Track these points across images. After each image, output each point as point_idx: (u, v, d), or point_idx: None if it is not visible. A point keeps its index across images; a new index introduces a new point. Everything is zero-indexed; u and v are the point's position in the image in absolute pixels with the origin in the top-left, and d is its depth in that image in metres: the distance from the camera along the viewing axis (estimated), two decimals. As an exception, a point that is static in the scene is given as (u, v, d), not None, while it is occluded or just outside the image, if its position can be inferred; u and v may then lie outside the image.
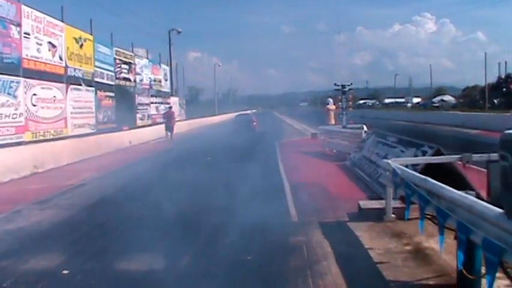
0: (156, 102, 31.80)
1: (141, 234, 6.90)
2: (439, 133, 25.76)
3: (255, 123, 31.37)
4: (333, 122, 20.60)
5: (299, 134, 28.96)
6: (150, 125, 28.93)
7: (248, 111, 49.73)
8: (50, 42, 16.78)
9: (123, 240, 6.64)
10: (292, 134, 29.12)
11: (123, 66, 25.44)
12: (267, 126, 36.75)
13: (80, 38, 19.61)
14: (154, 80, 32.07)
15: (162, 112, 29.46)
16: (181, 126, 35.68)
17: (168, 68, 37.18)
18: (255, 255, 5.80)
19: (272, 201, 8.99)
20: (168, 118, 26.05)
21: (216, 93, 74.05)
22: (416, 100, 79.44)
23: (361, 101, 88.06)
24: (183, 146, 22.49)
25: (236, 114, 39.12)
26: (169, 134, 25.37)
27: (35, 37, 15.78)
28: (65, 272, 5.37)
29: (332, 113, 20.92)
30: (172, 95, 37.76)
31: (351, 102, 19.55)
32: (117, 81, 24.21)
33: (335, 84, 20.30)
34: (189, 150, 20.90)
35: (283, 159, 15.43)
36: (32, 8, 15.59)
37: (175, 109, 37.16)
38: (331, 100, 21.42)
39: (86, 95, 19.80)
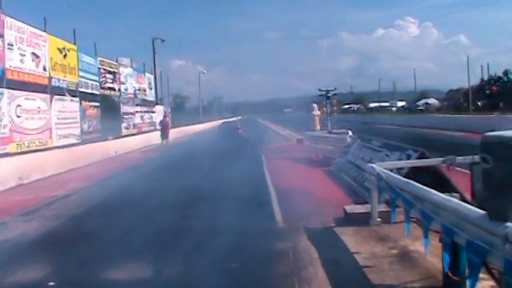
0: (141, 111, 31.64)
1: (128, 244, 6.84)
2: (424, 136, 25.93)
3: (240, 130, 31.63)
4: (318, 127, 20.66)
5: (284, 140, 28.98)
6: (135, 134, 28.75)
7: (233, 118, 49.87)
8: (33, 53, 16.58)
9: (110, 251, 6.55)
10: (278, 140, 29.11)
11: (107, 75, 25.25)
12: (253, 133, 36.77)
13: (64, 48, 19.43)
14: (139, 89, 31.91)
15: (159, 120, 29.89)
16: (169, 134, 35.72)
17: (152, 77, 37.01)
18: (241, 262, 5.77)
19: (258, 207, 9.02)
20: (164, 126, 27.58)
21: (200, 101, 74.22)
22: (401, 104, 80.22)
23: (346, 106, 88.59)
24: (169, 154, 22.45)
25: (221, 121, 39.26)
26: (164, 141, 27.05)
27: (18, 48, 15.57)
28: (51, 283, 5.27)
29: (317, 119, 21.00)
30: (157, 104, 37.55)
31: (335, 107, 19.68)
32: (101, 90, 24.00)
33: (319, 89, 20.39)
34: (175, 158, 20.88)
35: (268, 165, 15.48)
36: (14, 18, 15.38)
37: (160, 117, 37.19)
38: (315, 106, 21.51)
39: (71, 105, 19.62)
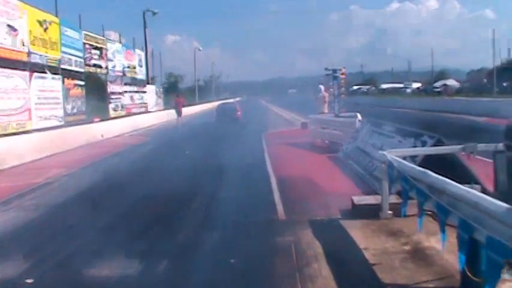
0: (130, 91, 31.64)
1: (112, 238, 6.83)
2: (442, 121, 25.86)
3: (238, 113, 31.98)
4: (325, 110, 20.55)
5: (287, 124, 29.11)
6: (124, 116, 28.82)
7: (231, 100, 49.78)
8: (9, 26, 16.41)
9: (93, 245, 6.52)
10: (280, 124, 29.23)
11: (93, 51, 25.13)
12: (253, 116, 36.95)
13: (44, 20, 19.25)
14: (128, 67, 31.86)
15: (174, 99, 32.03)
16: (158, 116, 35.69)
17: (143, 54, 36.85)
18: (239, 258, 5.76)
19: (257, 198, 9.10)
20: (177, 104, 29.95)
21: (196, 81, 74.06)
22: (416, 85, 79.54)
23: (356, 87, 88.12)
24: (160, 140, 22.43)
25: (218, 103, 39.24)
26: (179, 118, 29.49)
27: (-8, 20, 15.58)
28: (29, 281, 5.26)
29: (323, 101, 20.89)
30: (148, 83, 37.47)
31: (343, 89, 19.46)
32: (86, 68, 23.93)
33: (326, 68, 20.13)
34: (166, 143, 20.99)
35: (269, 152, 15.50)
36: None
37: (151, 98, 37.32)
38: (322, 87, 21.29)
39: (52, 84, 19.53)
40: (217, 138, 20.95)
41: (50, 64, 19.56)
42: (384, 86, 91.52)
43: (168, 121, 33.40)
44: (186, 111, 47.27)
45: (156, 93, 40.21)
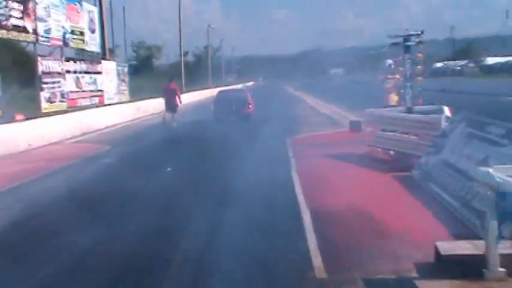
0: (76, 71, 31.62)
1: None
2: None
3: (250, 106, 31.97)
4: (393, 100, 20.38)
5: (328, 123, 29.12)
6: (66, 112, 28.78)
7: (239, 86, 49.47)
8: None
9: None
10: (317, 123, 29.21)
11: (11, 3, 24.64)
12: (272, 111, 37.21)
13: None
14: (72, 32, 31.90)
15: (163, 86, 33.04)
16: (122, 112, 35.86)
17: (96, 10, 36.99)
18: None
19: (282, 243, 9.09)
20: (170, 93, 31.05)
21: (181, 54, 73.05)
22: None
23: (440, 64, 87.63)
24: (125, 150, 22.33)
25: (219, 90, 39.60)
26: (170, 115, 30.73)
27: None
28: None
29: (391, 86, 20.63)
30: (105, 58, 37.69)
31: (420, 66, 19.13)
32: (0, 32, 24.06)
33: (391, 36, 19.74)
34: (134, 155, 20.96)
35: (300, 169, 15.49)
36: None
37: (111, 82, 37.55)
38: (390, 62, 21.06)
39: None
40: (216, 147, 20.88)
41: None
42: (491, 60, 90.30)
43: (137, 119, 33.95)
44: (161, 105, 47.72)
45: (118, 75, 40.31)
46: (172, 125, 30.06)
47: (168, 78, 34.01)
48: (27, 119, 24.32)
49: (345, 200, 11.74)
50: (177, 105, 31.42)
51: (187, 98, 58.12)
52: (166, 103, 31.24)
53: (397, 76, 20.60)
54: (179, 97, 32.34)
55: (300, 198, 12.12)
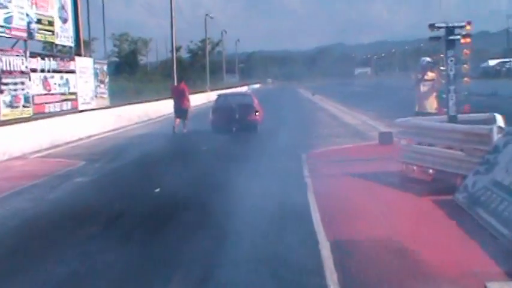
0: (44, 70, 31.40)
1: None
2: None
3: (257, 114, 32.03)
4: (432, 106, 20.26)
5: (352, 134, 29.20)
6: (31, 119, 28.56)
7: (244, 89, 49.30)
8: None
9: None
10: (338, 135, 29.23)
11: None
12: (284, 120, 37.59)
13: None
14: (39, 21, 31.59)
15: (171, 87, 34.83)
16: (101, 120, 35.63)
17: (69, -5, 36.36)
18: None
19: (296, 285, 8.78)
20: (179, 96, 32.26)
21: (174, 49, 71.87)
22: None
23: (494, 62, 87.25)
24: (105, 166, 22.23)
25: (218, 94, 39.39)
26: (181, 122, 31.84)
27: None
28: None
29: (428, 90, 20.48)
30: (79, 54, 37.73)
31: (466, 65, 18.93)
32: None
33: (433, 26, 19.47)
34: (117, 172, 20.83)
35: (318, 191, 14.96)
36: None
37: (86, 83, 37.45)
38: (427, 60, 20.93)
39: None
40: (214, 165, 20.58)
41: None
42: None
43: (119, 129, 34.16)
44: (151, 112, 48.13)
45: (96, 75, 40.23)
46: (183, 132, 30.70)
47: (178, 79, 34.05)
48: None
49: (373, 230, 11.33)
50: (186, 110, 32.06)
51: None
52: (175, 107, 31.94)
53: (437, 77, 20.49)
54: (188, 100, 33.13)
55: (318, 227, 11.67)
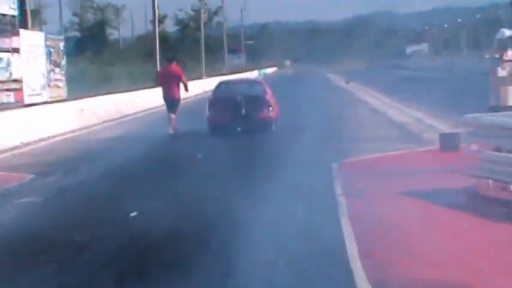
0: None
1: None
2: None
3: (270, 109, 29.85)
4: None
5: (402, 137, 27.63)
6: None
7: (253, 74, 49.36)
8: None
9: None
10: (383, 137, 27.66)
11: None
12: (307, 117, 36.60)
13: None
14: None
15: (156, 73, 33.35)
16: (57, 118, 33.71)
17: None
18: None
19: None
20: (169, 81, 29.43)
21: (156, 19, 69.83)
22: None
23: None
24: (63, 180, 20.69)
25: (220, 81, 37.89)
26: (170, 116, 28.66)
27: None
28: None
29: (509, 74, 19.75)
30: (24, 27, 35.83)
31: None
32: None
33: None
34: (79, 189, 19.10)
35: (355, 216, 13.46)
36: None
37: (36, 67, 35.27)
38: (508, 34, 20.30)
39: None
40: (213, 179, 18.71)
41: None
42: None
43: (81, 129, 33.39)
44: (129, 103, 47.56)
45: (49, 54, 37.99)
46: (169, 133, 27.83)
47: (167, 59, 33.34)
48: None
49: (435, 273, 9.94)
50: (177, 101, 29.10)
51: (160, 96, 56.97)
52: (165, 99, 29.33)
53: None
54: (185, 85, 30.66)
55: (356, 265, 10.41)
